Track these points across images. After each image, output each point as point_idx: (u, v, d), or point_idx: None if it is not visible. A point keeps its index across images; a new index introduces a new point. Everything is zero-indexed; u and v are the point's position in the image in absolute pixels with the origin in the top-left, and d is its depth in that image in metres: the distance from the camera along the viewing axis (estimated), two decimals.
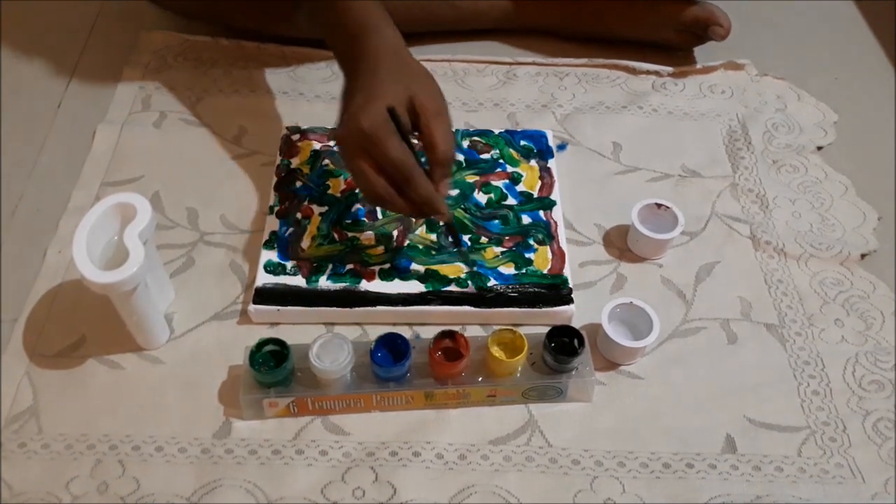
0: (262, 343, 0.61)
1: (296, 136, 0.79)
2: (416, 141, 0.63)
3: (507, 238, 0.72)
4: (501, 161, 0.78)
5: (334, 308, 0.67)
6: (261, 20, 0.87)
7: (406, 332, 0.66)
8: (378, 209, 0.73)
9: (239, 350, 0.64)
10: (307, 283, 0.68)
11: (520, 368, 0.63)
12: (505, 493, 0.59)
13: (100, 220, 0.60)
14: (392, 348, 0.62)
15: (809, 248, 0.75)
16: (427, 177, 0.62)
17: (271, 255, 0.69)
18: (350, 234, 0.71)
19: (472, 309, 0.67)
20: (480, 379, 0.62)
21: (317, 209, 0.73)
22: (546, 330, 0.63)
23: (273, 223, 0.72)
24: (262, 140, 0.82)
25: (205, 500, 0.58)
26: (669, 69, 0.91)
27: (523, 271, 0.69)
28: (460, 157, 0.78)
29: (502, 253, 0.71)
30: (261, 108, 0.85)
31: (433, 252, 0.70)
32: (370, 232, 0.72)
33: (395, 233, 0.72)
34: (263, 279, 0.68)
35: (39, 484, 0.58)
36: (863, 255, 0.75)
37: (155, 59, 0.89)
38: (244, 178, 0.78)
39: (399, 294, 0.67)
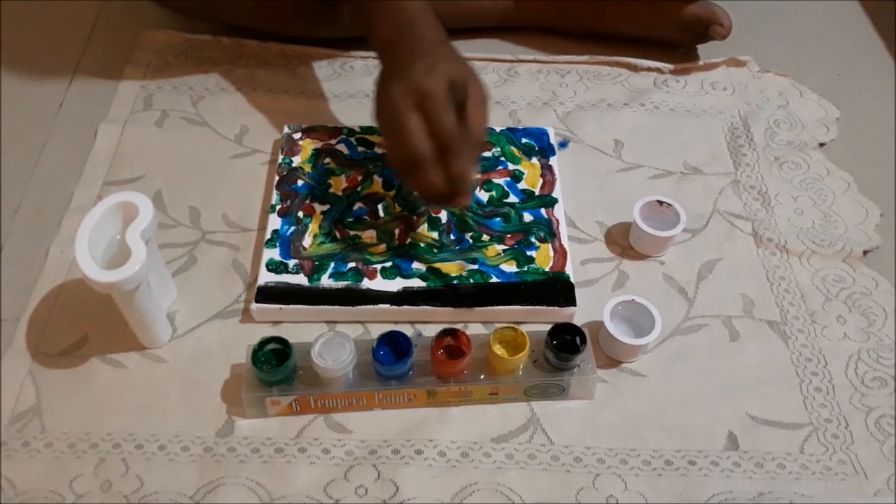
0: (265, 341, 0.61)
1: (297, 135, 0.79)
2: None
3: (508, 236, 0.72)
4: (503, 159, 0.78)
5: (336, 306, 0.67)
6: (261, 19, 0.87)
7: (408, 331, 0.66)
8: (380, 206, 0.73)
9: (241, 348, 0.64)
10: (309, 281, 0.68)
11: (521, 366, 0.63)
12: (507, 490, 0.59)
13: (102, 220, 0.60)
14: (394, 346, 0.62)
15: (811, 245, 0.75)
16: None
17: (273, 254, 0.69)
18: (352, 233, 0.71)
19: (474, 307, 0.67)
20: (482, 377, 0.62)
21: (318, 207, 0.73)
22: (548, 327, 0.63)
23: (275, 222, 0.72)
24: (264, 139, 0.82)
25: (208, 499, 0.58)
26: (671, 66, 0.91)
27: (525, 269, 0.69)
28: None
29: (504, 251, 0.71)
30: (262, 106, 0.85)
31: (435, 250, 0.70)
32: (372, 230, 0.72)
33: (396, 231, 0.72)
34: (265, 278, 0.68)
35: (43, 483, 0.58)
36: (865, 252, 0.75)
37: (156, 59, 0.89)
38: (246, 176, 0.78)
39: (401, 292, 0.67)
